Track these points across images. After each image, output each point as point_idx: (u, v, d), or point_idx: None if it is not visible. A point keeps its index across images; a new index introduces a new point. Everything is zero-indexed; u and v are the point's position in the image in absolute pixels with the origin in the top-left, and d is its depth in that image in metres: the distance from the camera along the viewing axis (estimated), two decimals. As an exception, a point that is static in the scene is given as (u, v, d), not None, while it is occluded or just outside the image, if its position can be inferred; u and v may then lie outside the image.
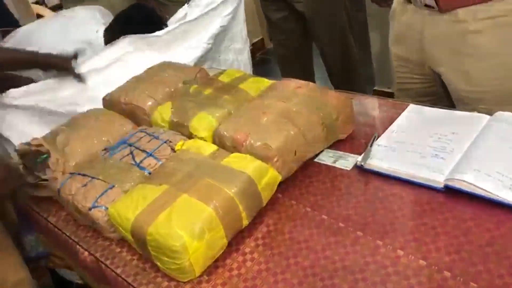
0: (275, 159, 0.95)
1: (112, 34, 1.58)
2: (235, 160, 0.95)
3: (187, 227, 0.81)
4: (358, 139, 1.11)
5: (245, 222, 0.90)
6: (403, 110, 1.13)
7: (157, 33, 1.59)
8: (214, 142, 1.06)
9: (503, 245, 0.75)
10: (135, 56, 1.53)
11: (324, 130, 1.02)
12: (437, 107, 1.11)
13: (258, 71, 1.77)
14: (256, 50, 3.59)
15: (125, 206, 0.89)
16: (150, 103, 1.24)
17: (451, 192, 0.87)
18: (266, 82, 1.20)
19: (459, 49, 1.11)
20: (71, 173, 1.04)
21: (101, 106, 1.36)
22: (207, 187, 0.88)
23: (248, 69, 1.89)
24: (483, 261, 0.74)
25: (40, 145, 1.13)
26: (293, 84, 1.13)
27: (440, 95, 1.29)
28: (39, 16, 2.37)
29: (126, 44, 1.55)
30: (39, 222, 1.17)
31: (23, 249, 1.49)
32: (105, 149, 1.11)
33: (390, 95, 1.71)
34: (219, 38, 1.72)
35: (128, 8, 1.71)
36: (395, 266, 0.77)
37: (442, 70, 1.19)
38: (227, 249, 0.88)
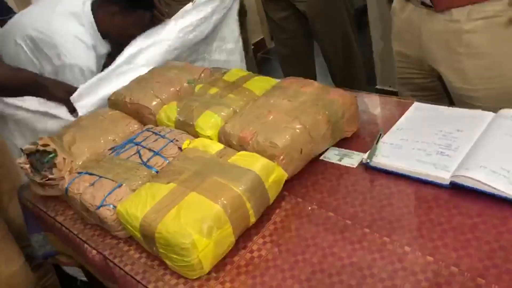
0: (281, 157, 0.96)
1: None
2: (242, 158, 0.95)
3: (196, 225, 0.82)
4: (362, 137, 1.11)
5: (253, 220, 0.91)
6: (407, 108, 1.14)
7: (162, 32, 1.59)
8: (220, 141, 1.07)
9: (510, 241, 0.76)
10: None
11: (329, 128, 1.03)
12: (439, 104, 1.12)
13: (260, 71, 1.78)
14: (258, 49, 3.60)
15: (134, 205, 0.90)
16: (155, 102, 1.25)
17: (457, 189, 0.88)
18: (271, 81, 1.21)
19: (454, 48, 1.12)
20: (78, 173, 1.05)
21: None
22: (215, 185, 0.89)
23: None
24: (490, 256, 0.75)
25: (47, 144, 1.14)
26: (298, 82, 1.14)
27: (440, 91, 1.31)
28: None
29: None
30: (46, 221, 1.18)
31: (31, 247, 1.51)
32: (111, 149, 1.11)
33: (391, 94, 1.72)
34: (211, 38, 1.72)
35: None
36: (402, 262, 0.78)
37: (439, 67, 1.20)
38: (234, 246, 0.89)
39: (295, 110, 1.03)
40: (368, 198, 0.93)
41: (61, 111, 1.44)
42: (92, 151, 1.14)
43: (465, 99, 1.17)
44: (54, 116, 1.44)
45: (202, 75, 1.34)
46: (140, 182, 0.98)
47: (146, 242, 0.90)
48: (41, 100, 1.43)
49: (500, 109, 1.00)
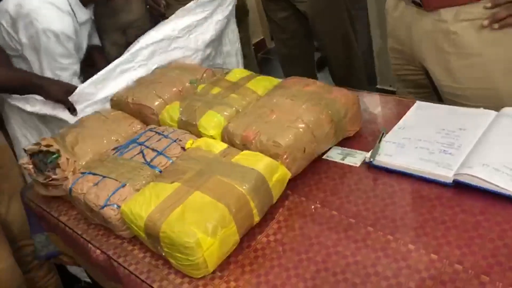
0: (285, 156, 0.96)
1: None
2: (245, 158, 0.96)
3: (201, 224, 0.82)
4: (365, 136, 1.12)
5: (257, 219, 0.91)
6: (409, 107, 1.14)
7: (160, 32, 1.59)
8: (223, 140, 1.07)
9: (513, 238, 0.77)
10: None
11: (332, 128, 1.03)
12: (434, 101, 1.15)
13: (260, 71, 1.79)
14: (258, 50, 3.60)
15: (138, 204, 0.90)
16: (157, 102, 1.25)
17: (460, 187, 0.88)
18: (273, 80, 1.21)
19: (443, 47, 1.14)
20: (82, 173, 1.05)
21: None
22: (219, 184, 0.89)
23: None
24: (494, 254, 0.75)
25: (50, 145, 1.14)
26: (300, 82, 1.14)
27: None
28: None
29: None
30: (49, 222, 1.18)
31: (33, 247, 1.51)
32: (115, 149, 1.12)
33: (392, 93, 1.73)
34: (215, 43, 1.73)
35: None
36: (407, 260, 0.78)
37: (428, 65, 1.22)
38: (238, 245, 0.89)
39: (298, 110, 1.03)
40: (372, 197, 0.93)
41: (64, 113, 1.44)
42: (95, 151, 1.15)
43: (453, 98, 1.19)
44: (57, 118, 1.44)
45: (204, 75, 1.34)
46: (144, 181, 0.99)
47: (150, 242, 0.90)
48: (46, 102, 1.44)
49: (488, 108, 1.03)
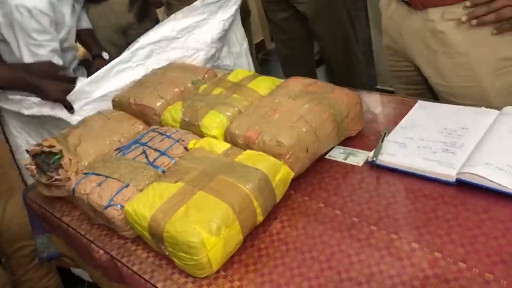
0: (288, 156, 0.97)
1: None
2: (248, 158, 0.96)
3: (205, 224, 0.82)
4: (367, 136, 1.12)
5: (260, 219, 0.91)
6: (411, 106, 1.14)
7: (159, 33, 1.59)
8: (225, 141, 1.07)
9: (517, 236, 0.77)
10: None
11: (335, 127, 1.03)
12: (431, 100, 1.16)
13: (260, 72, 1.78)
14: (257, 51, 3.60)
15: (142, 204, 0.90)
16: (160, 103, 1.25)
17: (463, 186, 0.88)
18: (275, 81, 1.21)
19: (431, 46, 1.16)
20: (85, 173, 1.05)
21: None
22: (223, 184, 0.89)
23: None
24: (497, 252, 0.75)
25: (52, 145, 1.14)
26: (302, 82, 1.14)
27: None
28: None
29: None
30: (52, 223, 1.18)
31: (30, 248, 1.51)
32: (117, 149, 1.12)
33: (391, 94, 1.74)
34: (221, 44, 1.73)
35: None
36: (410, 259, 0.79)
37: (419, 63, 1.24)
38: (242, 245, 0.89)
39: (300, 109, 1.03)
40: (375, 196, 0.94)
41: (62, 112, 1.44)
42: (97, 151, 1.15)
43: (444, 95, 1.22)
44: (55, 119, 1.44)
45: (206, 75, 1.34)
46: (147, 182, 0.99)
47: (154, 242, 0.90)
48: (42, 103, 1.44)
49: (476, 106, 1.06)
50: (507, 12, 1.01)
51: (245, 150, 1.00)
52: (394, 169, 0.97)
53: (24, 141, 1.59)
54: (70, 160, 1.10)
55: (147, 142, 1.10)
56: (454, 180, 0.89)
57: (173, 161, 1.04)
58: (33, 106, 1.44)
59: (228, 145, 1.02)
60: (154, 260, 0.93)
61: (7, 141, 1.67)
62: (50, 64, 1.50)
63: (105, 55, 1.83)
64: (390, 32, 1.31)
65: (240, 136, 1.03)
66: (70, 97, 1.41)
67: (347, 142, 1.11)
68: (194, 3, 1.62)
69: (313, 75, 2.41)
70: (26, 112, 1.45)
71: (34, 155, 1.18)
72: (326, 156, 1.08)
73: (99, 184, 1.00)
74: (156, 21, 2.01)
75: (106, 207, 0.96)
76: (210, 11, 1.64)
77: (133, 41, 1.61)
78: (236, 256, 0.89)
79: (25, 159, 1.21)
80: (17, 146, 1.62)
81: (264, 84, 1.20)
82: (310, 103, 1.05)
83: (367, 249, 0.83)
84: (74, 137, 1.19)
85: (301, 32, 2.25)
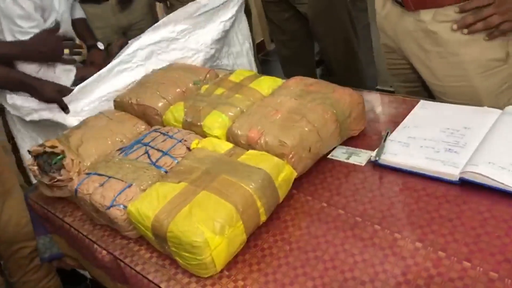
0: (291, 156, 0.97)
1: None
2: (251, 157, 0.96)
3: (209, 223, 0.82)
4: (369, 136, 1.12)
5: (263, 218, 0.91)
6: (413, 106, 1.15)
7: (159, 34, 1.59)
8: (228, 141, 1.07)
9: (520, 235, 0.77)
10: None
11: (337, 127, 1.03)
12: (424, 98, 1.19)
13: (259, 72, 1.78)
14: (257, 51, 3.60)
15: (145, 204, 0.90)
16: (161, 103, 1.25)
17: (466, 185, 0.88)
18: (277, 80, 1.21)
19: (424, 46, 1.18)
20: (87, 173, 1.05)
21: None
22: (226, 183, 0.89)
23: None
24: (501, 251, 0.75)
25: (55, 146, 1.14)
26: (305, 82, 1.14)
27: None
28: None
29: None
30: (54, 223, 1.18)
31: (27, 249, 1.51)
32: (119, 149, 1.12)
33: (392, 93, 1.75)
34: (221, 44, 1.73)
35: None
36: (414, 258, 0.79)
37: (413, 62, 1.27)
38: (246, 245, 0.90)
39: (302, 109, 1.04)
40: (378, 195, 0.94)
41: (60, 115, 1.45)
42: (100, 152, 1.15)
43: (437, 94, 1.24)
44: (53, 124, 1.45)
45: (208, 75, 1.34)
46: (149, 182, 0.99)
47: (157, 242, 0.90)
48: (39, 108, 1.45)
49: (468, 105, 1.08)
50: (495, 20, 1.05)
51: (247, 150, 1.00)
52: (396, 168, 0.97)
53: (29, 141, 1.59)
54: (72, 160, 1.10)
55: (149, 142, 1.10)
56: (457, 180, 0.89)
57: (176, 161, 1.04)
58: (32, 112, 1.44)
59: (230, 145, 1.02)
60: (157, 260, 0.93)
61: (10, 141, 1.67)
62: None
63: (100, 45, 1.81)
64: (386, 31, 1.33)
65: (243, 136, 1.03)
66: (69, 98, 1.41)
67: (349, 142, 1.11)
68: (194, 4, 1.62)
69: (313, 75, 2.41)
70: (27, 118, 1.46)
71: (36, 156, 1.18)
72: (329, 156, 1.08)
73: (102, 184, 1.00)
74: (156, 21, 2.01)
75: (109, 207, 0.96)
76: (210, 12, 1.64)
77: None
78: (239, 256, 0.89)
79: (27, 159, 1.21)
80: (22, 147, 1.62)
81: (266, 84, 1.21)
82: (313, 103, 1.05)
83: (371, 248, 0.83)
84: (76, 138, 1.19)
85: (301, 32, 2.25)
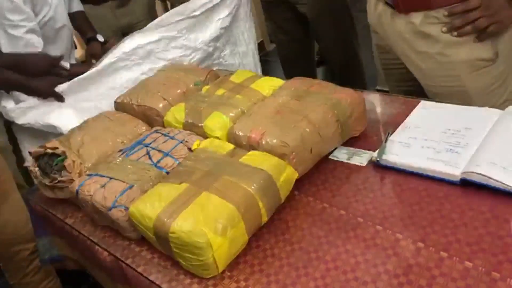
0: (292, 157, 0.97)
1: None
2: (253, 158, 0.96)
3: (211, 224, 0.82)
4: (370, 136, 1.12)
5: (264, 219, 0.91)
6: (414, 106, 1.15)
7: (153, 32, 1.59)
8: (229, 141, 1.07)
9: (522, 235, 0.77)
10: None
11: (339, 128, 1.03)
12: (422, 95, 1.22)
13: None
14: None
15: (146, 205, 0.90)
16: (162, 104, 1.25)
17: (467, 185, 0.88)
18: (278, 81, 1.21)
19: (415, 47, 1.20)
20: (88, 174, 1.05)
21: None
22: (228, 184, 0.89)
23: (254, 72, 1.88)
24: (504, 251, 0.75)
25: (55, 147, 1.14)
26: (305, 82, 1.14)
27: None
28: None
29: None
30: (55, 224, 1.18)
31: (25, 251, 1.50)
32: (120, 150, 1.11)
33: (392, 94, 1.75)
34: (222, 42, 1.73)
35: None
36: (417, 258, 0.79)
37: (405, 63, 1.28)
38: (247, 245, 0.89)
39: (304, 110, 1.04)
40: (379, 196, 0.94)
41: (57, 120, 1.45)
42: (100, 153, 1.14)
43: (430, 95, 1.26)
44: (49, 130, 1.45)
45: (208, 76, 1.34)
46: (151, 183, 0.99)
47: (159, 242, 0.90)
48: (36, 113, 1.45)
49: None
50: (482, 23, 1.08)
51: (249, 151, 1.00)
52: (398, 169, 0.97)
53: (30, 142, 1.59)
54: (73, 161, 1.10)
55: (150, 143, 1.10)
56: (458, 180, 0.89)
57: (177, 162, 1.04)
58: (25, 113, 1.44)
59: (232, 146, 1.02)
60: (159, 261, 0.93)
61: (10, 142, 1.66)
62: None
63: (100, 38, 1.80)
64: (378, 31, 1.34)
65: (244, 137, 1.03)
66: (60, 88, 1.44)
67: (350, 142, 1.11)
68: (190, 3, 1.62)
69: (314, 76, 2.41)
70: (20, 121, 1.45)
71: (37, 157, 1.17)
72: (330, 157, 1.08)
73: (103, 186, 1.00)
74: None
75: (110, 209, 0.96)
76: (209, 9, 1.64)
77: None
78: (241, 256, 0.89)
79: (29, 161, 1.21)
80: (23, 147, 1.62)
81: (266, 85, 1.21)
82: (314, 103, 1.05)
83: (373, 248, 0.83)
84: (77, 139, 1.19)
85: (301, 32, 2.25)
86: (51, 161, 1.14)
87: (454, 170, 0.90)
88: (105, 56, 1.52)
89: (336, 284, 0.79)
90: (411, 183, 0.94)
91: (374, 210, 0.91)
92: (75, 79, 1.46)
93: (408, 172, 0.96)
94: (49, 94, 1.44)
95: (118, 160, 1.07)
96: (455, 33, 1.11)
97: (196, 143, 1.06)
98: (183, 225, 0.83)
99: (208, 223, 0.82)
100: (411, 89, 1.37)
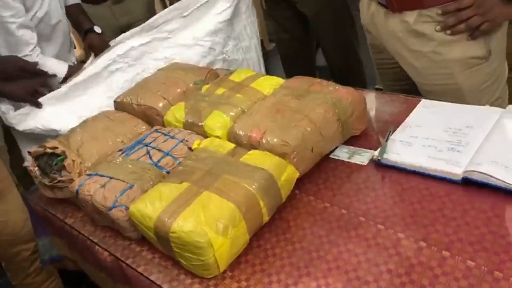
0: (293, 156, 0.96)
1: None
2: (253, 157, 0.96)
3: (212, 224, 0.82)
4: (371, 135, 1.12)
5: (266, 218, 0.91)
6: (414, 105, 1.14)
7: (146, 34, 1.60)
8: (229, 141, 1.07)
9: (525, 234, 0.77)
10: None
11: (339, 127, 1.03)
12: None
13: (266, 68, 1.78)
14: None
15: (147, 205, 0.89)
16: (162, 103, 1.25)
17: (469, 184, 0.88)
18: (278, 80, 1.21)
19: (408, 46, 1.20)
20: (89, 174, 1.05)
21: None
22: (228, 183, 0.89)
23: (258, 67, 1.87)
24: (506, 250, 0.75)
25: (55, 147, 1.13)
26: (306, 81, 1.14)
27: None
28: None
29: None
30: (54, 224, 1.17)
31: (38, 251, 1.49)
32: (120, 150, 1.11)
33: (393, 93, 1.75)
34: (222, 37, 1.72)
35: None
36: (419, 258, 0.78)
37: (399, 62, 1.29)
38: (248, 245, 0.89)
39: (304, 109, 1.03)
40: (381, 195, 0.93)
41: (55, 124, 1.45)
42: (100, 153, 1.14)
43: (424, 93, 1.26)
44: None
45: (208, 75, 1.34)
46: (151, 182, 0.98)
47: (160, 242, 0.90)
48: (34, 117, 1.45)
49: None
50: (475, 21, 1.09)
51: (249, 150, 1.00)
52: (399, 168, 0.97)
53: (28, 142, 1.58)
54: (73, 161, 1.10)
55: (150, 142, 1.10)
56: (460, 179, 0.89)
57: (177, 161, 1.03)
58: (25, 119, 1.44)
59: (232, 145, 1.02)
60: (160, 261, 0.93)
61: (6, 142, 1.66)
62: (15, 61, 1.48)
63: (98, 29, 1.80)
64: (372, 31, 1.35)
65: (244, 136, 1.02)
66: (60, 97, 1.43)
67: (351, 141, 1.10)
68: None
69: (314, 75, 2.40)
70: (21, 128, 1.45)
71: (37, 157, 1.17)
72: (331, 156, 1.07)
73: (103, 185, 1.00)
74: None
75: (110, 208, 0.95)
76: (202, 7, 1.65)
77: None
78: (242, 256, 0.88)
79: (28, 161, 1.20)
80: (22, 147, 1.61)
81: (267, 84, 1.20)
82: (314, 102, 1.05)
83: (375, 248, 0.83)
84: (77, 139, 1.18)
85: (301, 31, 2.25)
86: (50, 160, 1.13)
87: (455, 169, 0.90)
88: (98, 57, 1.53)
89: (338, 283, 0.78)
90: (412, 182, 0.94)
91: (376, 209, 0.90)
92: (72, 82, 1.47)
93: (409, 171, 0.96)
94: (24, 99, 1.44)
95: (118, 160, 1.07)
96: (449, 32, 1.12)
97: (197, 142, 1.06)
98: (184, 225, 0.83)
99: (209, 223, 0.82)
100: (406, 87, 1.37)
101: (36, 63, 1.50)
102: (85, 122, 1.27)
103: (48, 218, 1.20)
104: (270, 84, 1.20)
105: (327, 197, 0.97)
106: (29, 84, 1.45)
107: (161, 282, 0.88)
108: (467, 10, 1.08)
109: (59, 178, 1.10)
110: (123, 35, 1.63)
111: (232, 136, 1.06)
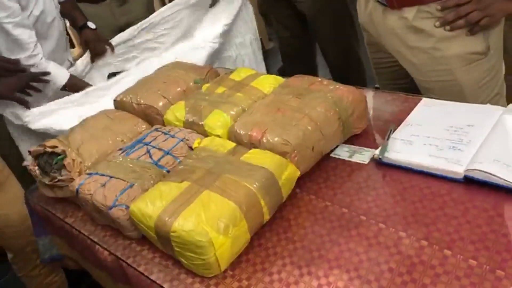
0: (294, 155, 0.96)
1: None
2: (254, 156, 0.95)
3: (213, 223, 0.81)
4: (371, 134, 1.12)
5: (266, 217, 0.91)
6: (415, 104, 1.14)
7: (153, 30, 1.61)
8: (230, 140, 1.06)
9: (527, 233, 0.77)
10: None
11: (340, 125, 1.03)
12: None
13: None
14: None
15: (147, 204, 0.89)
16: (162, 102, 1.24)
17: (470, 183, 0.88)
18: (278, 79, 1.21)
19: (407, 42, 1.21)
20: (89, 173, 1.04)
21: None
22: (229, 182, 0.89)
23: (254, 63, 1.87)
24: (508, 249, 0.75)
25: (55, 146, 1.13)
26: (307, 80, 1.14)
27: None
28: None
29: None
30: (54, 224, 1.17)
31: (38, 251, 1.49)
32: (121, 149, 1.11)
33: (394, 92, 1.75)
34: (223, 38, 1.73)
35: None
36: (420, 257, 0.78)
37: (398, 59, 1.29)
38: (249, 244, 0.89)
39: (305, 108, 1.03)
40: (382, 194, 0.93)
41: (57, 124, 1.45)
42: (100, 152, 1.14)
43: (423, 91, 1.27)
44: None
45: (208, 74, 1.34)
46: (152, 182, 0.98)
47: (160, 241, 0.89)
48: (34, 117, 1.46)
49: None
50: (475, 16, 1.09)
51: (250, 149, 0.99)
52: (400, 166, 0.97)
53: (28, 141, 1.58)
54: (73, 160, 1.09)
55: (150, 141, 1.09)
56: (461, 177, 0.88)
57: (178, 160, 1.03)
58: (40, 119, 1.45)
59: (233, 144, 1.01)
60: (160, 260, 0.93)
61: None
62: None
63: (91, 25, 1.80)
64: (369, 30, 1.35)
65: (245, 135, 1.02)
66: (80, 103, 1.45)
67: (352, 140, 1.10)
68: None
69: (314, 73, 2.41)
70: (34, 126, 1.48)
71: (36, 156, 1.17)
72: (331, 155, 1.07)
73: (104, 185, 0.99)
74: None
75: (111, 208, 0.95)
76: (212, 9, 1.65)
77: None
78: (243, 255, 0.88)
79: (28, 160, 1.20)
80: (21, 146, 1.61)
81: (267, 83, 1.20)
82: (315, 101, 1.04)
83: (376, 247, 0.82)
84: (77, 138, 1.18)
85: (302, 29, 2.25)
86: (50, 160, 1.13)
87: (457, 167, 0.89)
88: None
89: (339, 282, 0.78)
90: (414, 181, 0.94)
91: (377, 208, 0.90)
92: (89, 89, 1.52)
93: (410, 170, 0.95)
94: (9, 98, 1.44)
95: (118, 159, 1.07)
96: (448, 28, 1.12)
97: (197, 141, 1.05)
98: (184, 224, 0.82)
99: (210, 222, 0.82)
100: (404, 86, 1.37)
101: (17, 60, 1.50)
102: (85, 121, 1.26)
103: (48, 217, 1.19)
104: (270, 83, 1.19)
105: (328, 196, 0.97)
106: (12, 81, 1.45)
107: (162, 281, 0.88)
108: (466, 5, 1.09)
109: (59, 177, 1.09)
110: (120, 34, 1.64)
111: (232, 135, 1.06)
